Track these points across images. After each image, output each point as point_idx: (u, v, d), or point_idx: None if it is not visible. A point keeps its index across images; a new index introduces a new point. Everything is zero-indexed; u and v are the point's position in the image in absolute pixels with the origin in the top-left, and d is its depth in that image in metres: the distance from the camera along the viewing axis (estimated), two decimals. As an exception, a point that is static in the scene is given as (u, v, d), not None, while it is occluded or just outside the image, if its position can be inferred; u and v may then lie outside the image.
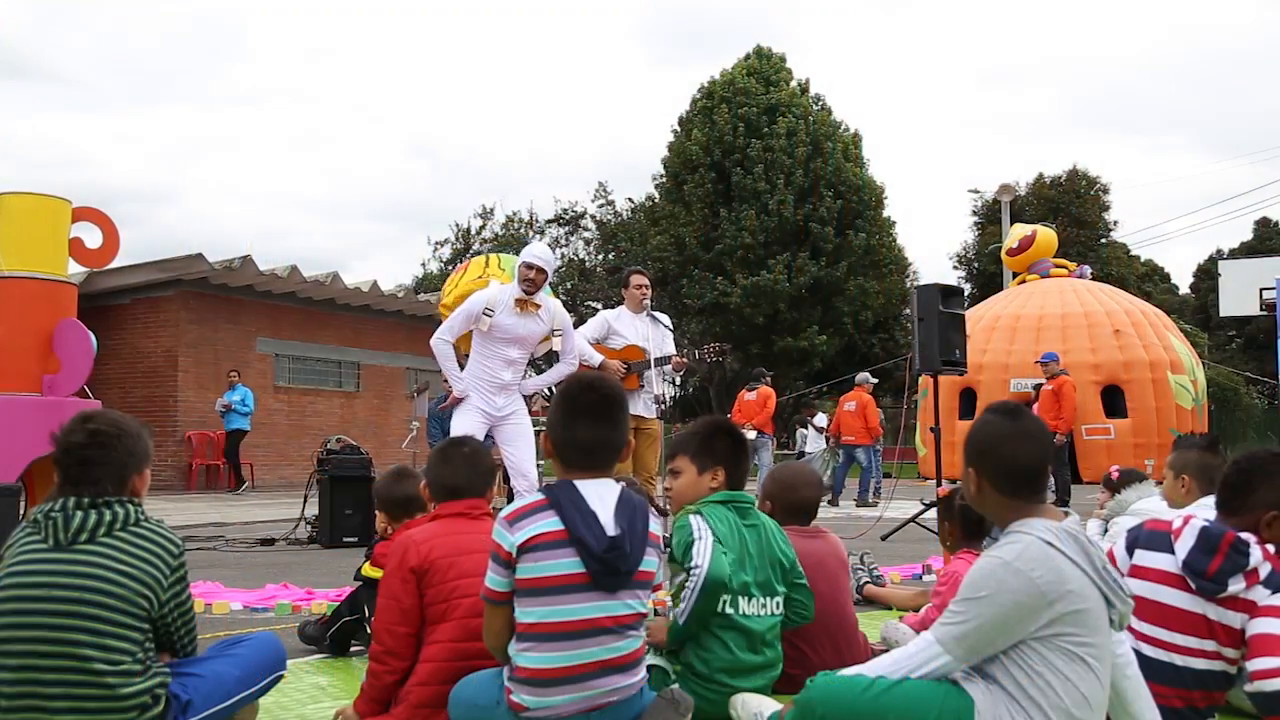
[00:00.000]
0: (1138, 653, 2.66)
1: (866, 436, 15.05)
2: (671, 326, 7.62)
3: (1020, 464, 2.38)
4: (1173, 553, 2.83)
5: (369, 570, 3.92)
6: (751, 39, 43.04)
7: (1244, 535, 2.79)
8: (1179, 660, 2.75)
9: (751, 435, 13.10)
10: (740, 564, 2.99)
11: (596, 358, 7.07)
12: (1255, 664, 2.69)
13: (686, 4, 75.77)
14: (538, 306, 6.31)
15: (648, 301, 7.38)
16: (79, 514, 2.41)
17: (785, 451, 22.22)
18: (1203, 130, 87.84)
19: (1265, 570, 2.76)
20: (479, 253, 43.24)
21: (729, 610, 2.96)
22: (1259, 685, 2.66)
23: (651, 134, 67.95)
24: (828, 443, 16.37)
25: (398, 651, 2.78)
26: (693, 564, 2.88)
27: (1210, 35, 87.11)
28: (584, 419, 2.60)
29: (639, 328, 7.28)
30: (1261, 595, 2.74)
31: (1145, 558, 2.88)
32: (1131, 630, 2.58)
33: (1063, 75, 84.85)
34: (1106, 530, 5.07)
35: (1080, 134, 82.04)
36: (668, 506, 3.38)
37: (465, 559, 2.80)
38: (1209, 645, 2.76)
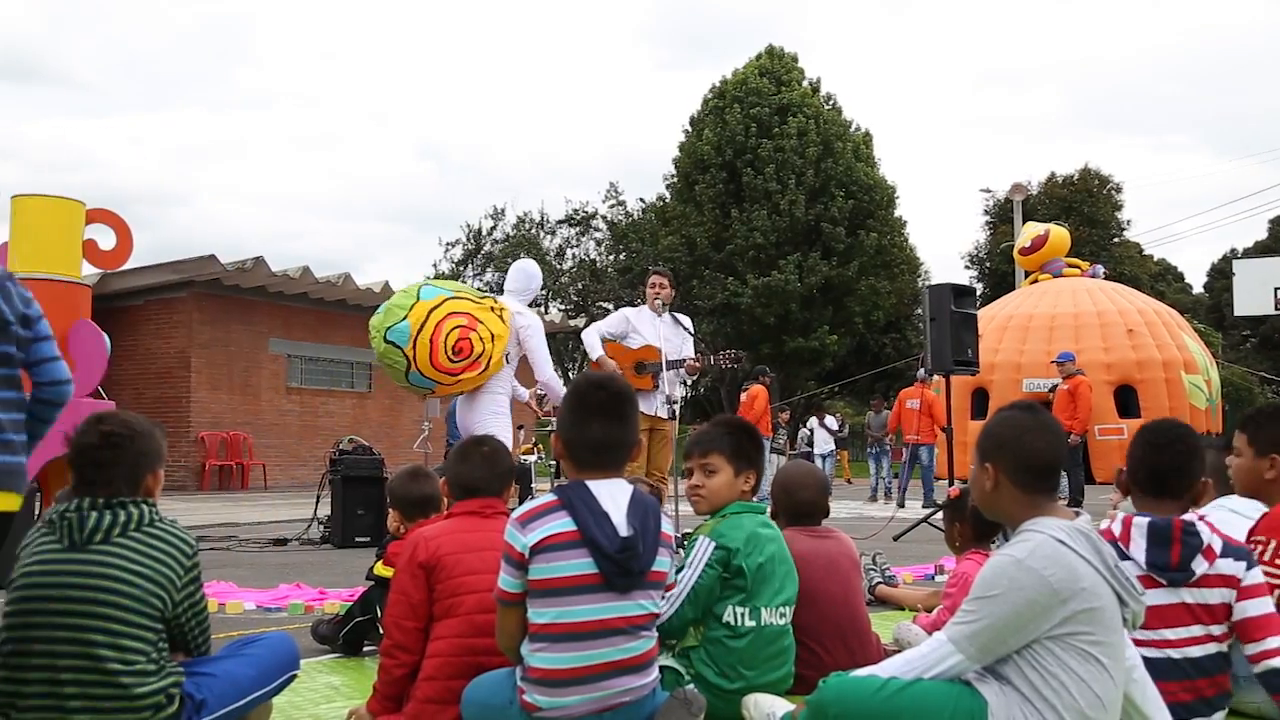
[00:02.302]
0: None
1: (933, 435, 14.40)
2: (693, 330, 7.62)
3: (1040, 458, 2.39)
4: (1125, 558, 2.82)
5: (381, 569, 3.94)
6: (759, 40, 43.13)
7: (1185, 517, 2.84)
8: (1175, 654, 2.77)
9: None
10: (767, 576, 2.99)
11: (595, 353, 7.12)
12: (1252, 648, 2.75)
13: (695, 5, 75.78)
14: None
15: (660, 301, 7.37)
16: (93, 515, 2.42)
17: (795, 452, 22.18)
18: (1208, 129, 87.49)
19: (1218, 543, 2.81)
20: (490, 254, 43.35)
21: (750, 622, 2.95)
22: (1269, 664, 2.72)
23: (662, 134, 68.05)
24: (874, 443, 15.93)
25: (406, 645, 2.82)
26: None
27: (1213, 34, 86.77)
28: (595, 418, 2.59)
29: (658, 328, 7.27)
30: (1235, 568, 2.79)
31: None
32: None
33: (1069, 74, 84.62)
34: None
35: (1086, 133, 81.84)
36: (670, 508, 3.35)
37: (473, 556, 2.82)
38: (1197, 630, 2.78)
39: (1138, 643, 2.74)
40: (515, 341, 6.66)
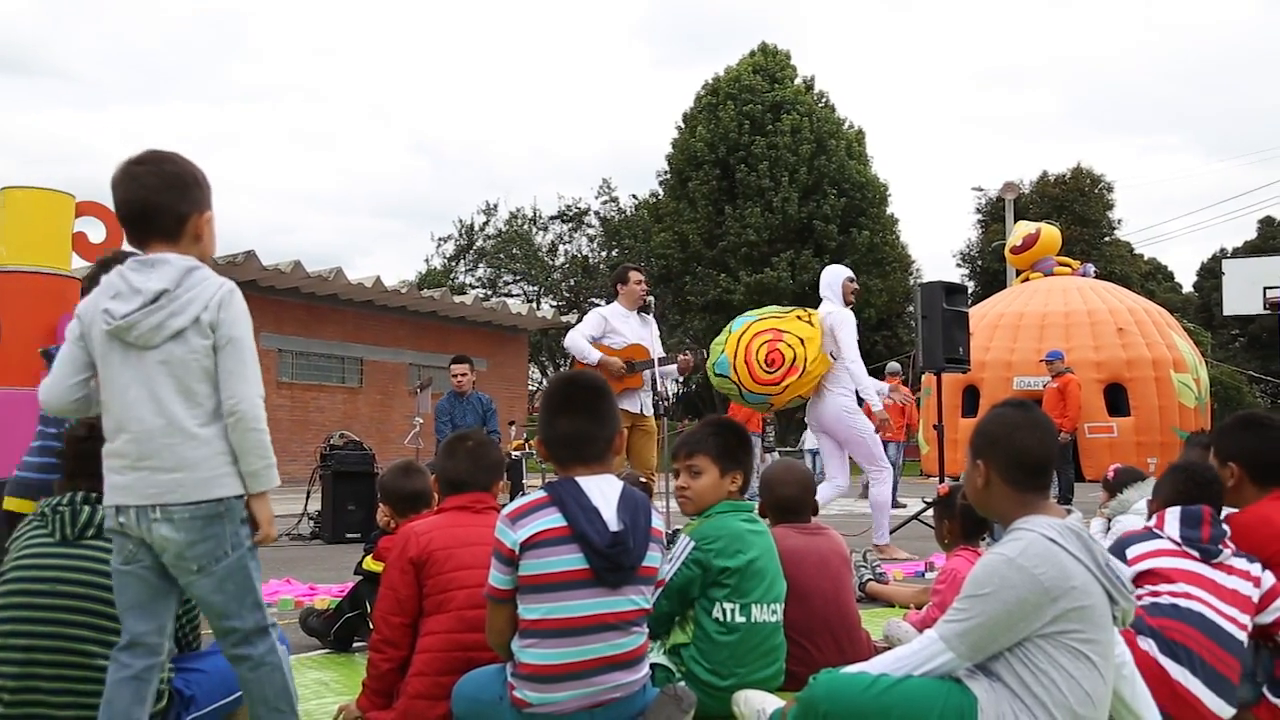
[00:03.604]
0: (1170, 605, 2.79)
1: (903, 433, 14.23)
2: (656, 329, 7.60)
3: (1031, 455, 2.40)
4: (1159, 537, 3.00)
5: (370, 564, 3.93)
6: (755, 37, 43.22)
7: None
8: (1199, 608, 2.84)
9: None
10: (757, 573, 3.00)
11: (593, 356, 6.95)
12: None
13: (691, 2, 75.71)
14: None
15: (649, 300, 7.36)
16: (86, 509, 2.41)
17: (788, 449, 22.21)
18: (1199, 129, 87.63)
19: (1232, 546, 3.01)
20: (483, 250, 43.28)
21: (740, 618, 2.96)
22: None
23: (656, 131, 67.64)
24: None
25: (394, 641, 2.83)
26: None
27: (1205, 34, 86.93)
28: (563, 413, 2.62)
29: (634, 326, 7.22)
30: (1238, 560, 2.96)
31: (1139, 548, 3.02)
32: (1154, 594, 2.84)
33: (1062, 74, 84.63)
34: (1109, 528, 5.06)
35: (1079, 133, 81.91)
36: (660, 504, 3.37)
37: (464, 550, 2.82)
38: (1220, 604, 2.85)
39: (1169, 592, 2.88)
40: (832, 338, 7.11)
